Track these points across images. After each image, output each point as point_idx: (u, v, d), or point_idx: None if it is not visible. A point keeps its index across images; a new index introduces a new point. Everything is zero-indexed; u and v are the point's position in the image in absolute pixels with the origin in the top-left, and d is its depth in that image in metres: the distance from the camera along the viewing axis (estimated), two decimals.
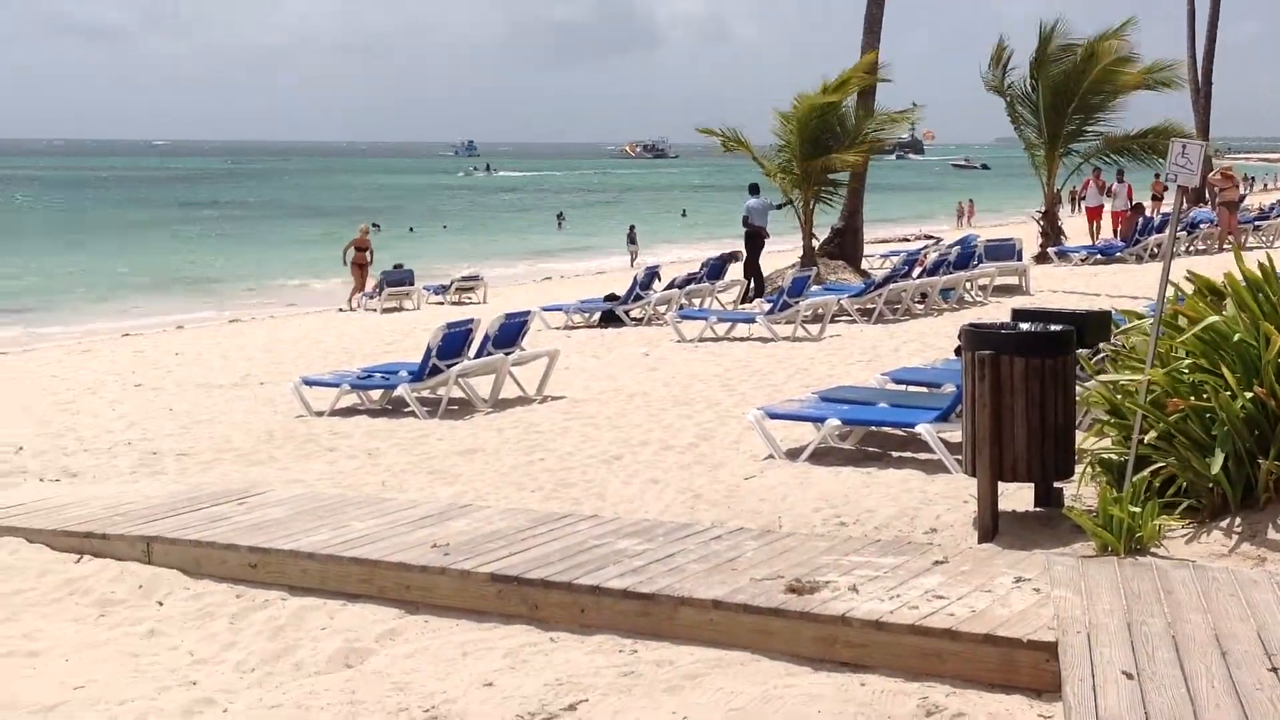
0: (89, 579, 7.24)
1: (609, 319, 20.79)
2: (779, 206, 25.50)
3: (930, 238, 40.08)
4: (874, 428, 10.12)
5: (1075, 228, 33.17)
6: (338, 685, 5.64)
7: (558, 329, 20.27)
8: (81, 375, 16.96)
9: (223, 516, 7.87)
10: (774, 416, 10.15)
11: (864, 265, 26.87)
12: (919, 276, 21.20)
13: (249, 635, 6.37)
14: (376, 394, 13.20)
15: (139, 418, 13.08)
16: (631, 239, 41.60)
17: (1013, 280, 23.58)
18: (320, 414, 12.72)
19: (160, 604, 6.88)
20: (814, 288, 20.34)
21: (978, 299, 22.11)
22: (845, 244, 26.46)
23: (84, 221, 65.82)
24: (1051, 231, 29.71)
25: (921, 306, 20.67)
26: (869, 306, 19.81)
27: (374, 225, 58.49)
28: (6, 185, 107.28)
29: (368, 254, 28.60)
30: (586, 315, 21.20)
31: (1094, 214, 33.57)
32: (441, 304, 26.88)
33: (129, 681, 5.80)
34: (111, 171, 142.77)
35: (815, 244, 25.71)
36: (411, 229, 57.97)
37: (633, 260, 38.61)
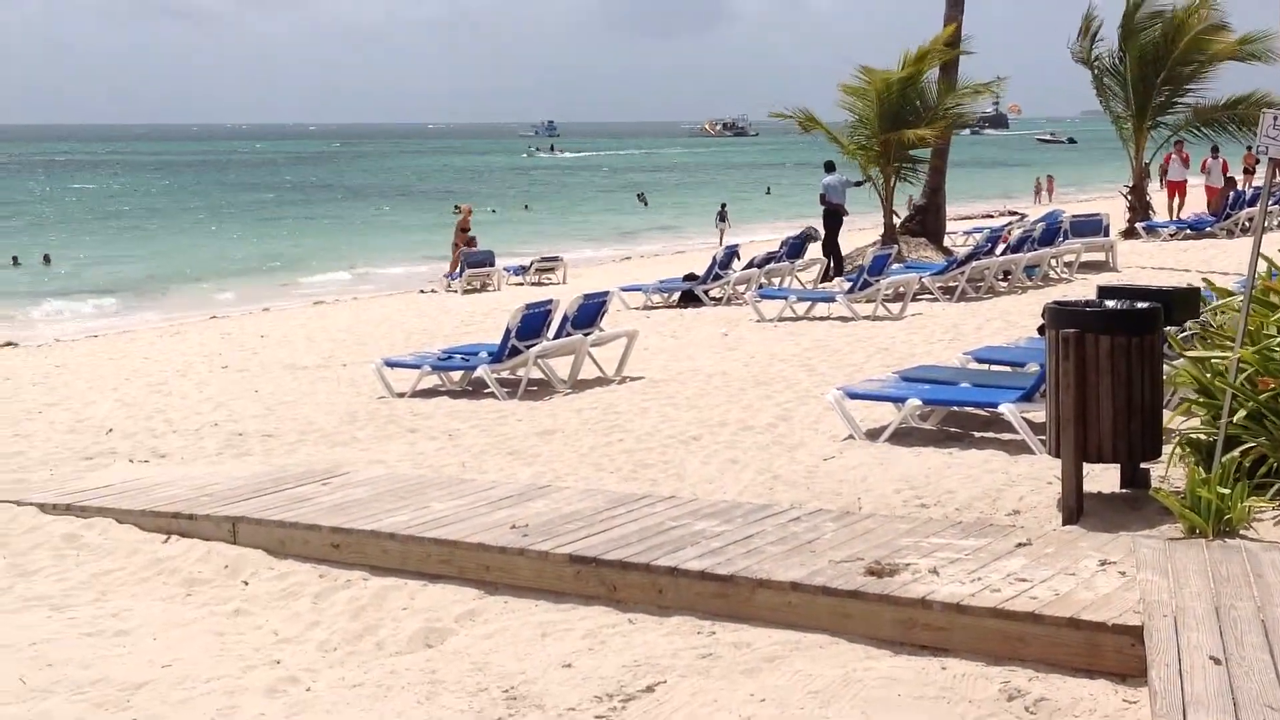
0: (176, 559, 7.38)
1: (688, 299, 20.75)
2: (858, 184, 25.22)
3: (1015, 213, 39.48)
4: (956, 408, 9.99)
5: (1162, 202, 32.48)
6: (418, 665, 5.69)
7: (636, 309, 20.27)
8: (172, 357, 17.29)
9: (306, 497, 7.98)
10: (853, 396, 10.07)
11: (946, 242, 26.53)
12: (1003, 253, 20.90)
13: (331, 615, 6.45)
14: (457, 375, 13.29)
15: (226, 399, 13.30)
16: (722, 216, 41.47)
17: (1099, 256, 23.14)
18: (401, 395, 12.84)
19: (245, 583, 6.99)
20: (895, 266, 20.13)
21: (1063, 276, 21.73)
22: (927, 221, 26.15)
23: (181, 206, 66.96)
24: (1139, 206, 29.12)
25: (1005, 284, 20.37)
26: (951, 284, 19.57)
27: (456, 207, 59.04)
28: (106, 171, 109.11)
29: (468, 234, 28.66)
30: (665, 295, 21.18)
31: (1176, 188, 32.80)
32: (522, 285, 26.99)
33: (215, 660, 5.90)
34: (206, 155, 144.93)
35: (896, 221, 25.44)
36: (494, 210, 58.31)
37: (721, 238, 38.44)
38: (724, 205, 43.41)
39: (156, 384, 14.74)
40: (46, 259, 39.61)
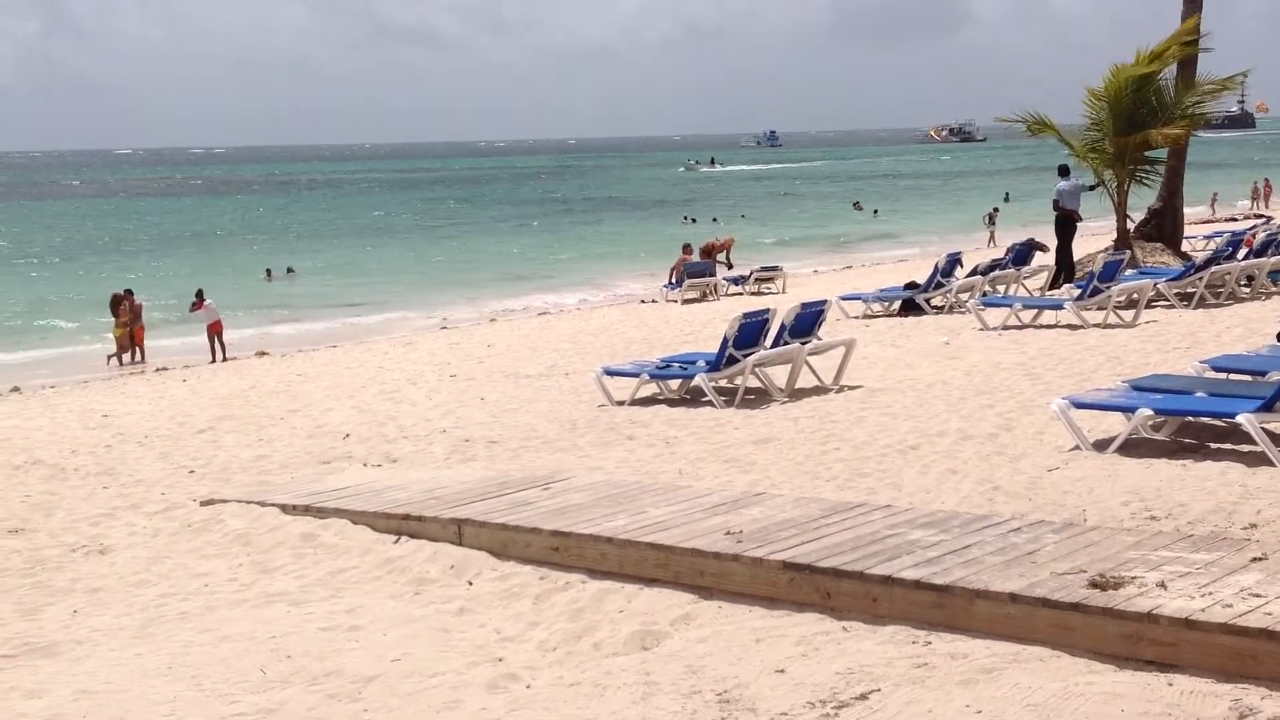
0: (405, 558, 7.68)
1: (909, 307, 20.45)
2: (1091, 188, 24.37)
3: (1261, 216, 37.58)
4: (1190, 418, 9.60)
5: None
6: (634, 666, 5.79)
7: (856, 318, 20.09)
8: (404, 367, 17.98)
9: (528, 501, 8.19)
10: (1080, 406, 9.77)
11: (1184, 247, 25.43)
12: (1245, 258, 19.93)
13: (551, 615, 6.61)
14: (675, 384, 13.43)
15: (454, 407, 13.76)
16: (991, 220, 40.73)
17: None
18: (621, 403, 13.04)
19: (470, 584, 7.22)
20: (1128, 271, 19.42)
21: None
22: (1163, 225, 25.11)
23: (420, 222, 69.43)
24: None
25: (1248, 290, 19.42)
26: (1189, 290, 18.77)
27: (685, 218, 59.55)
28: (350, 189, 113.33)
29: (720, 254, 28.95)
30: (885, 304, 20.92)
31: None
32: (741, 294, 27.07)
33: (441, 655, 6.12)
34: (448, 172, 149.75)
35: (1130, 226, 24.51)
36: (715, 219, 58.67)
37: (990, 241, 37.70)
38: (995, 209, 42.60)
39: (389, 392, 15.35)
40: (290, 270, 41.72)
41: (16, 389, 19.54)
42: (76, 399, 17.16)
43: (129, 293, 24.76)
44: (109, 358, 24.33)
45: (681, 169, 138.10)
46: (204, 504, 9.30)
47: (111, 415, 14.91)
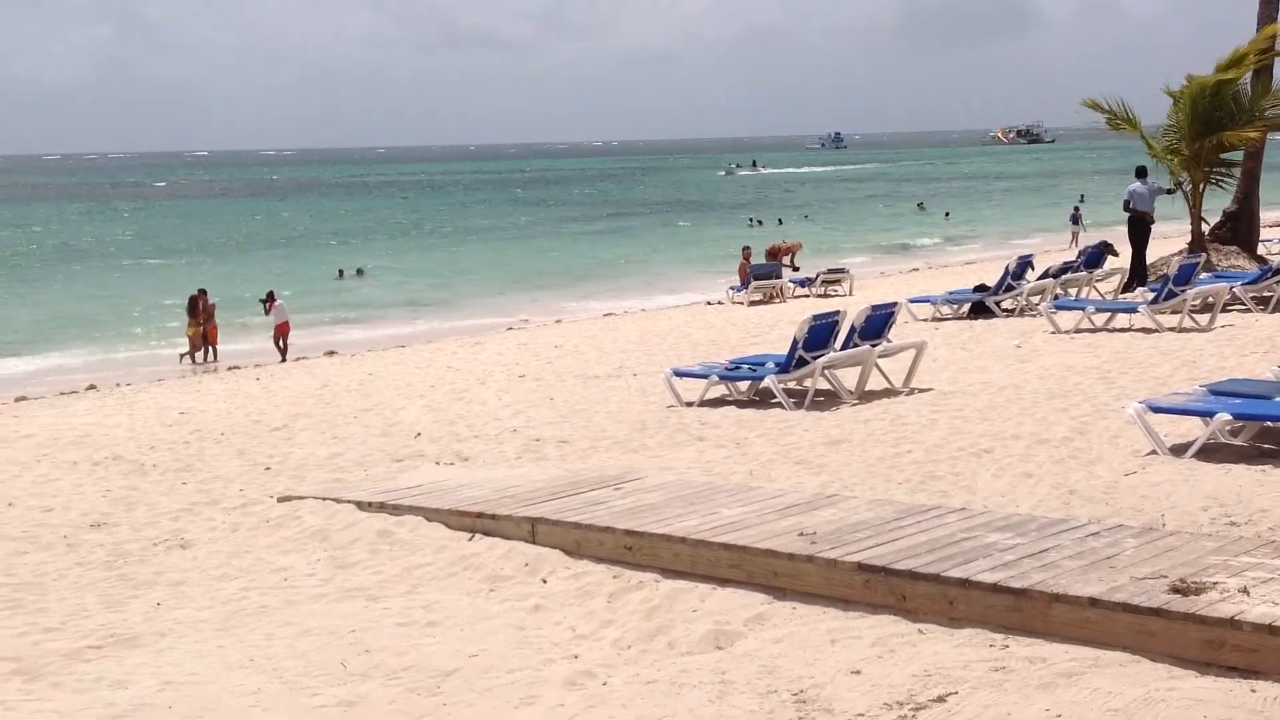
0: (480, 556, 7.75)
1: (978, 310, 20.29)
2: (1169, 191, 24.02)
3: None
4: (1270, 423, 9.46)
5: None
6: (709, 665, 5.81)
7: (924, 321, 19.98)
8: (473, 367, 18.12)
9: (600, 501, 8.24)
10: (1156, 410, 9.66)
11: (1260, 250, 25.02)
12: None
13: (625, 614, 6.65)
14: (744, 385, 13.44)
15: (523, 407, 13.86)
16: (1075, 219, 40.22)
17: None
18: (690, 404, 13.07)
19: (544, 581, 7.28)
20: (1203, 275, 19.16)
21: None
22: (1239, 228, 24.77)
23: (492, 223, 69.77)
24: None
25: None
26: (1265, 294, 18.48)
27: (751, 220, 59.47)
28: (424, 192, 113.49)
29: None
30: (955, 307, 20.77)
31: None
32: (807, 296, 26.99)
33: (517, 652, 6.18)
34: (516, 174, 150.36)
35: (1205, 229, 24.16)
36: (780, 221, 58.56)
37: (1074, 241, 37.26)
38: (1077, 208, 42.02)
39: (459, 391, 15.48)
40: (360, 271, 42.16)
41: (93, 386, 19.92)
42: (153, 397, 17.47)
43: (203, 292, 25.15)
44: (181, 356, 24.73)
45: (722, 173, 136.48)
46: (281, 500, 9.45)
47: (188, 412, 15.17)
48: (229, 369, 22.04)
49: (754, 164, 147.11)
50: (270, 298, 25.41)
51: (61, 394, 18.93)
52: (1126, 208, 22.93)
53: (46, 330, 29.89)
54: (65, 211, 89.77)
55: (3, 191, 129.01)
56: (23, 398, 18.77)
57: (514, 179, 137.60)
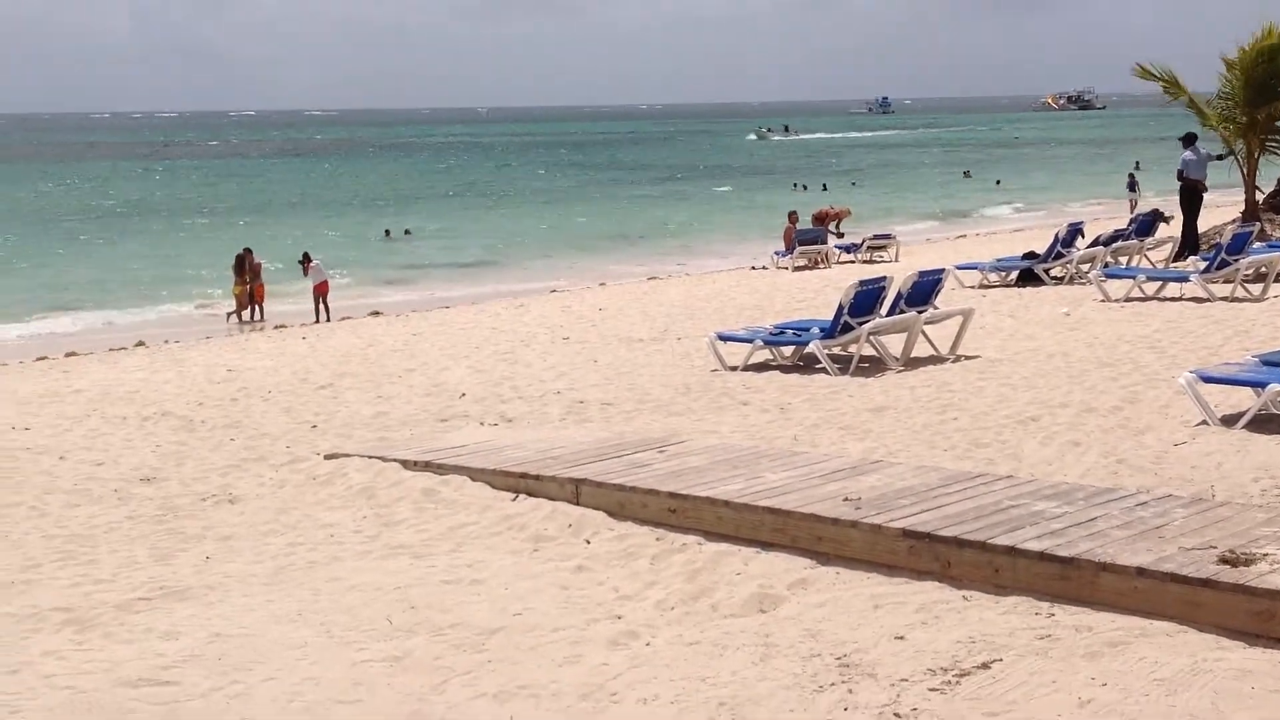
0: (524, 516, 7.78)
1: (1027, 278, 20.10)
2: (1220, 158, 23.69)
3: None
4: None
5: None
6: (752, 628, 5.82)
7: (972, 288, 19.81)
8: (517, 328, 18.16)
9: (644, 463, 8.25)
10: (1208, 380, 9.56)
11: None
12: None
13: (668, 575, 6.66)
14: (788, 350, 13.39)
15: (567, 369, 13.88)
16: (1131, 186, 39.75)
17: None
18: (734, 369, 13.04)
19: (588, 542, 7.30)
20: (1256, 244, 18.89)
21: None
22: None
23: (532, 185, 69.86)
24: None
25: None
26: None
27: (796, 185, 59.12)
28: (466, 153, 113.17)
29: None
30: (1003, 274, 20.58)
31: None
32: (853, 262, 26.83)
33: (561, 611, 6.21)
34: (562, 136, 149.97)
35: (1259, 198, 23.80)
36: (825, 186, 58.21)
37: (1132, 208, 36.86)
38: (1132, 174, 41.43)
39: (504, 353, 15.53)
40: (407, 232, 42.33)
41: (141, 343, 20.13)
42: (201, 354, 17.62)
43: (249, 251, 25.30)
44: (228, 314, 24.91)
45: (752, 136, 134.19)
46: (327, 457, 9.52)
47: (235, 370, 15.30)
48: (276, 328, 22.19)
49: (785, 129, 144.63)
50: (306, 258, 25.51)
51: (111, 350, 19.13)
52: (1180, 176, 22.62)
53: (107, 287, 30.17)
54: (124, 170, 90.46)
55: (61, 149, 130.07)
56: (73, 353, 18.98)
57: (562, 140, 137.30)
